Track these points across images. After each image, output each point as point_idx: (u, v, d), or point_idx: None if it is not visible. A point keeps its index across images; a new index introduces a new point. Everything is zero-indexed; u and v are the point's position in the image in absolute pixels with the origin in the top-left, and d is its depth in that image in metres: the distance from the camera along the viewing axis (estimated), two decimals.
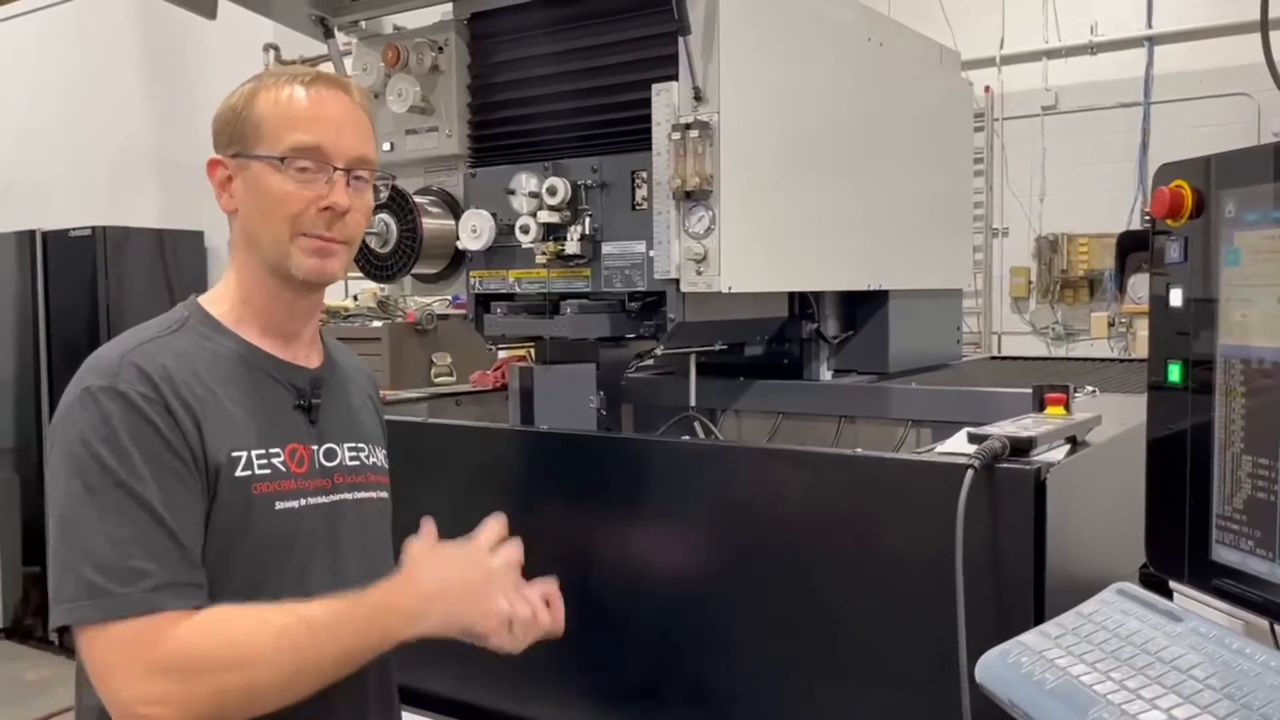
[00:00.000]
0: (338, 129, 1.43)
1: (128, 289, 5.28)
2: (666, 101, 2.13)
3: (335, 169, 1.41)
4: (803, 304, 2.72)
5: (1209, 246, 1.13)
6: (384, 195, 1.56)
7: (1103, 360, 3.90)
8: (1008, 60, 7.94)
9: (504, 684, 1.95)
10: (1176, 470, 1.18)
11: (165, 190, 5.63)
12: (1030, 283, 8.04)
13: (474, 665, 1.90)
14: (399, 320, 4.57)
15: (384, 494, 1.57)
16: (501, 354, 3.44)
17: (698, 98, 2.10)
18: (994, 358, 3.78)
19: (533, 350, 2.65)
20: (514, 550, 1.47)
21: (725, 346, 2.48)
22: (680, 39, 2.09)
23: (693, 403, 2.47)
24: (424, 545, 1.43)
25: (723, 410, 2.78)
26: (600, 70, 2.30)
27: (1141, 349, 6.81)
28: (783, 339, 2.76)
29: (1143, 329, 6.90)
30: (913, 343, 2.94)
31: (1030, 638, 1.16)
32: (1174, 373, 1.19)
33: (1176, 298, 1.18)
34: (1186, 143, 7.38)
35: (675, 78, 2.13)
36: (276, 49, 4.87)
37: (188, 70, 5.47)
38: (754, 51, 2.20)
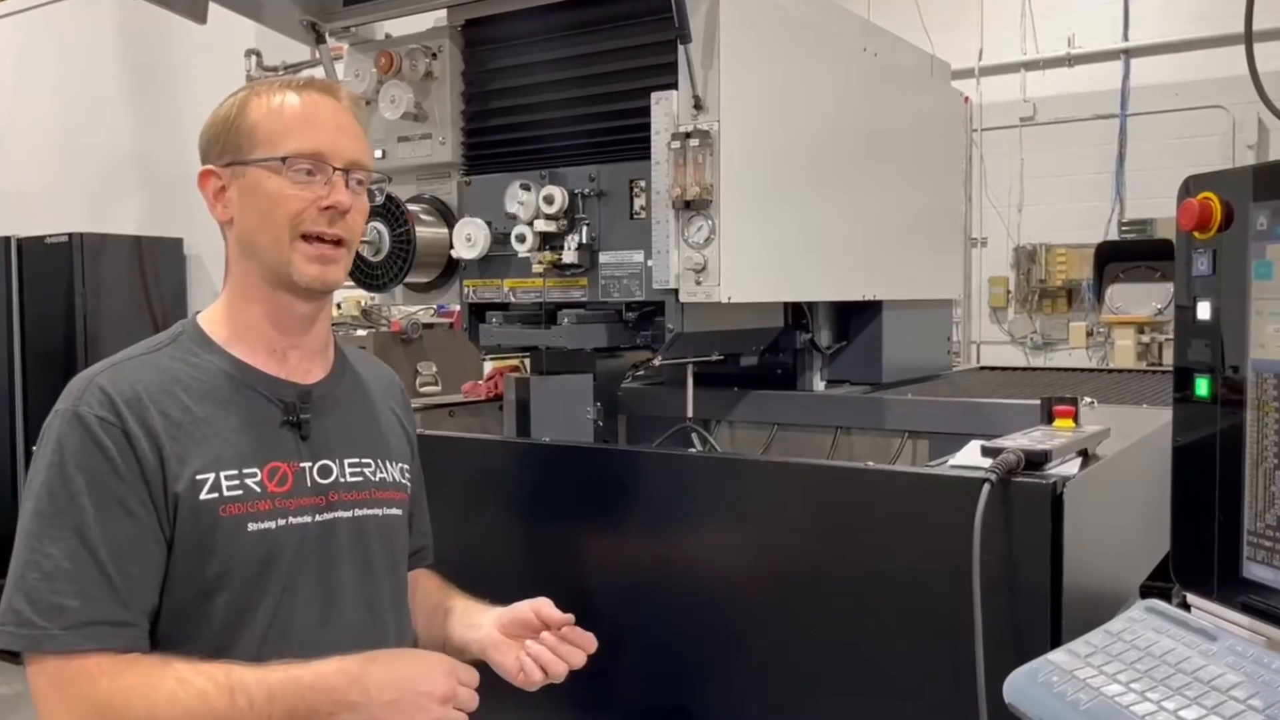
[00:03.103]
0: (334, 133, 1.42)
1: (105, 296, 5.20)
2: (666, 110, 2.11)
3: (335, 169, 1.40)
4: (796, 314, 2.70)
5: (1239, 259, 1.12)
6: (380, 198, 1.55)
7: (1090, 370, 3.92)
8: (986, 71, 8.00)
9: (504, 698, 1.91)
10: (1205, 486, 1.16)
11: (145, 197, 5.55)
12: (1009, 292, 8.10)
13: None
14: (384, 330, 4.53)
15: (394, 510, 1.52)
16: (488, 365, 3.41)
17: (698, 106, 2.08)
18: (983, 368, 3.78)
19: (523, 360, 2.63)
20: (469, 679, 1.38)
21: (722, 357, 2.46)
22: (680, 47, 2.06)
23: (690, 414, 2.45)
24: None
25: (717, 421, 2.76)
26: (598, 78, 2.28)
27: (1120, 359, 6.86)
28: (776, 349, 2.74)
29: (1121, 339, 6.95)
30: (905, 353, 2.93)
31: (1059, 656, 1.14)
32: (1201, 386, 1.17)
33: (1204, 310, 1.17)
34: (1162, 154, 7.47)
35: (674, 86, 2.11)
36: (258, 54, 4.82)
37: (169, 76, 5.40)
38: (754, 60, 2.18)
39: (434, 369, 4.28)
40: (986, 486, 1.42)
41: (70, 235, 5.19)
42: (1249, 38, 2.09)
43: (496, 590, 1.64)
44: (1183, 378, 1.20)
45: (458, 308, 3.43)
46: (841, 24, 2.61)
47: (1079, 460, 1.58)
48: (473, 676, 1.36)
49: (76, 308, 5.14)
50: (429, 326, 4.48)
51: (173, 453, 1.31)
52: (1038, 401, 2.43)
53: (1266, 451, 1.10)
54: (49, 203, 5.78)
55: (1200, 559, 1.17)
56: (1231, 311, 1.13)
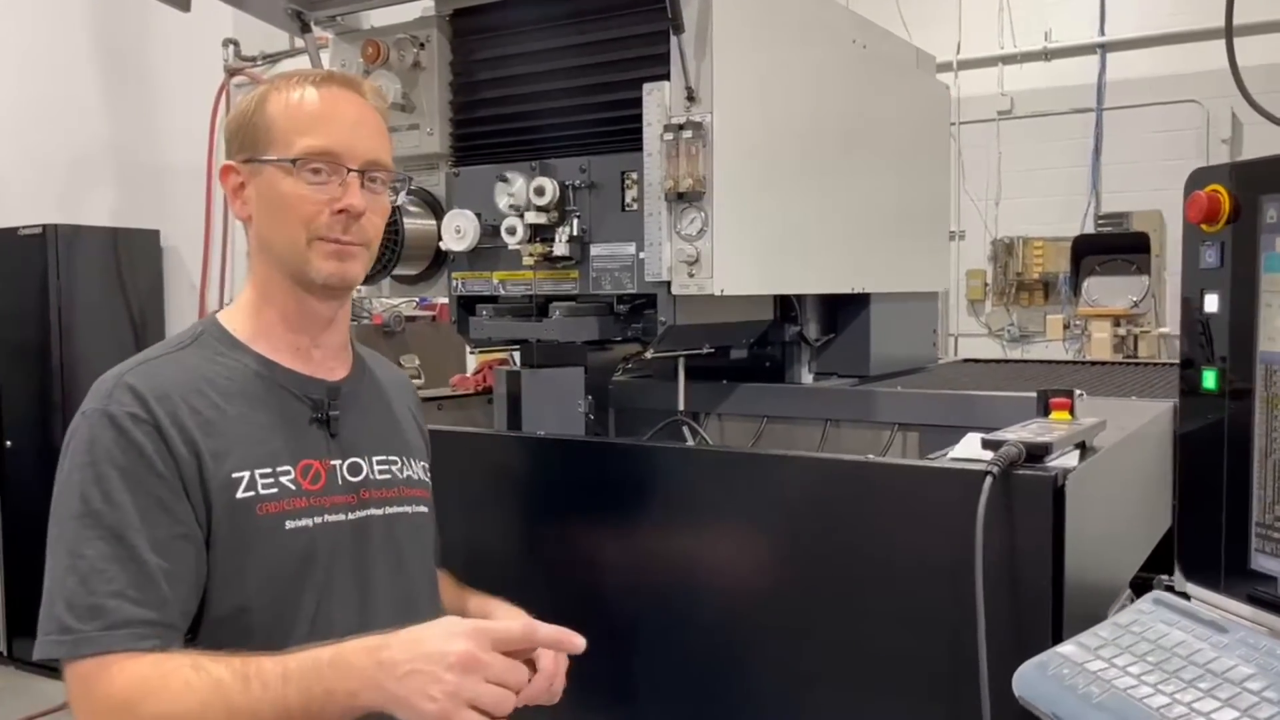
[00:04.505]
0: (351, 130, 1.40)
1: (80, 289, 5.14)
2: (658, 101, 2.10)
3: (349, 170, 1.38)
4: (785, 306, 2.70)
5: (1248, 252, 1.12)
6: (401, 198, 1.53)
7: (1073, 363, 3.94)
8: (964, 65, 8.02)
9: None
10: (1212, 478, 1.17)
11: (121, 188, 5.49)
12: (986, 285, 8.14)
13: None
14: (366, 323, 4.50)
15: (422, 508, 1.52)
16: (470, 357, 3.38)
17: (690, 98, 2.07)
18: (966, 360, 3.78)
19: (511, 354, 2.60)
20: (504, 639, 1.20)
21: (713, 350, 2.45)
22: (673, 38, 2.05)
23: (682, 407, 2.44)
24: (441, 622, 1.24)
25: (706, 414, 2.75)
26: (588, 69, 2.26)
27: (1097, 351, 6.90)
28: (764, 342, 2.74)
29: (1098, 331, 7.00)
30: (892, 346, 2.93)
31: (1069, 649, 1.14)
32: (1208, 379, 1.17)
33: (1212, 303, 1.17)
34: (1137, 149, 7.53)
35: (666, 77, 2.10)
36: (236, 44, 4.76)
37: (144, 65, 5.34)
38: (746, 51, 2.17)
39: (416, 362, 4.25)
40: (989, 479, 1.42)
41: (44, 227, 5.12)
42: (1229, 33, 2.10)
43: (491, 588, 1.63)
44: (1189, 370, 1.20)
45: (441, 301, 3.39)
46: (831, 15, 2.61)
47: (1077, 452, 1.58)
48: (508, 638, 1.18)
49: (51, 301, 5.07)
50: (411, 319, 4.46)
51: (207, 450, 1.28)
52: (1026, 394, 2.45)
53: (1275, 444, 1.10)
54: (22, 193, 5.71)
55: (1207, 551, 1.18)
56: (1240, 304, 1.13)
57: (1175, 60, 7.38)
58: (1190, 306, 1.20)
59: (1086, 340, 7.25)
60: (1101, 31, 7.76)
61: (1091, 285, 7.28)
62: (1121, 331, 6.98)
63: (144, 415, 1.27)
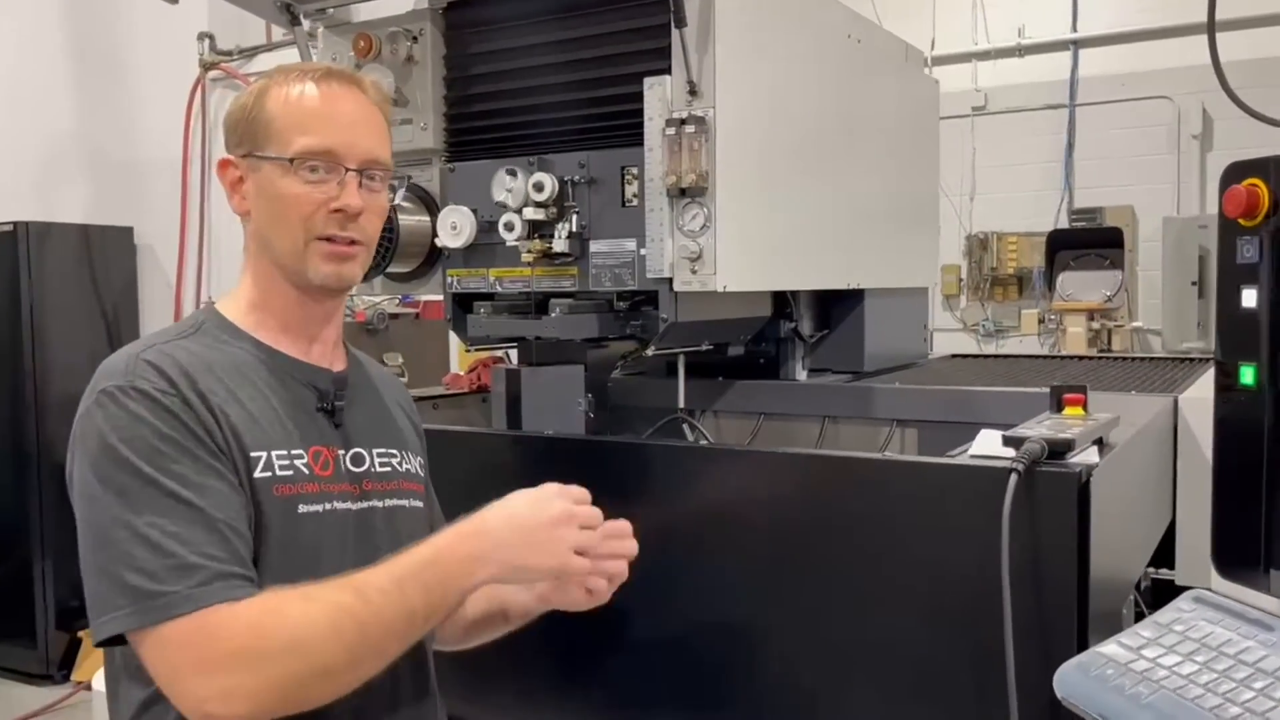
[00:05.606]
0: (350, 129, 1.38)
1: (52, 287, 5.04)
2: (660, 95, 2.07)
3: (347, 170, 1.37)
4: (780, 303, 2.68)
5: None
6: (398, 197, 1.52)
7: (1060, 358, 3.95)
8: (938, 61, 8.02)
9: (507, 698, 1.87)
10: (1251, 476, 1.15)
11: (94, 184, 5.39)
12: (961, 280, 8.16)
13: (476, 680, 1.83)
14: (348, 320, 4.45)
15: (418, 502, 1.51)
16: (454, 355, 3.34)
17: (692, 92, 2.05)
18: (954, 356, 3.79)
19: (507, 352, 2.57)
20: (581, 496, 1.37)
21: (712, 347, 2.43)
22: (675, 31, 2.03)
23: (682, 404, 2.42)
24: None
25: (702, 411, 2.72)
26: (586, 63, 2.23)
27: (1072, 345, 6.95)
28: (759, 338, 2.72)
29: (1073, 325, 7.04)
30: (885, 342, 2.93)
31: (1111, 649, 1.13)
32: (1247, 375, 1.16)
33: (1250, 298, 1.15)
34: (1110, 143, 7.58)
35: (667, 71, 2.07)
36: (212, 38, 4.68)
37: (117, 58, 5.24)
38: (748, 45, 2.15)
39: (400, 359, 4.20)
40: (1014, 476, 1.40)
41: (15, 224, 5.02)
42: (1211, 30, 2.11)
43: None
44: (1227, 366, 1.19)
45: (425, 298, 3.34)
46: (828, 10, 2.59)
47: (1096, 449, 1.57)
48: (583, 494, 1.36)
49: (22, 299, 4.98)
50: (395, 317, 4.42)
51: (227, 426, 1.27)
52: (1021, 389, 2.45)
53: None
54: None
55: (1246, 550, 1.16)
56: None
57: (1147, 57, 7.43)
58: (1227, 302, 1.19)
59: (1061, 334, 7.29)
60: (1074, 28, 7.80)
61: (1065, 280, 7.32)
62: (1095, 326, 7.02)
63: (171, 390, 1.25)
